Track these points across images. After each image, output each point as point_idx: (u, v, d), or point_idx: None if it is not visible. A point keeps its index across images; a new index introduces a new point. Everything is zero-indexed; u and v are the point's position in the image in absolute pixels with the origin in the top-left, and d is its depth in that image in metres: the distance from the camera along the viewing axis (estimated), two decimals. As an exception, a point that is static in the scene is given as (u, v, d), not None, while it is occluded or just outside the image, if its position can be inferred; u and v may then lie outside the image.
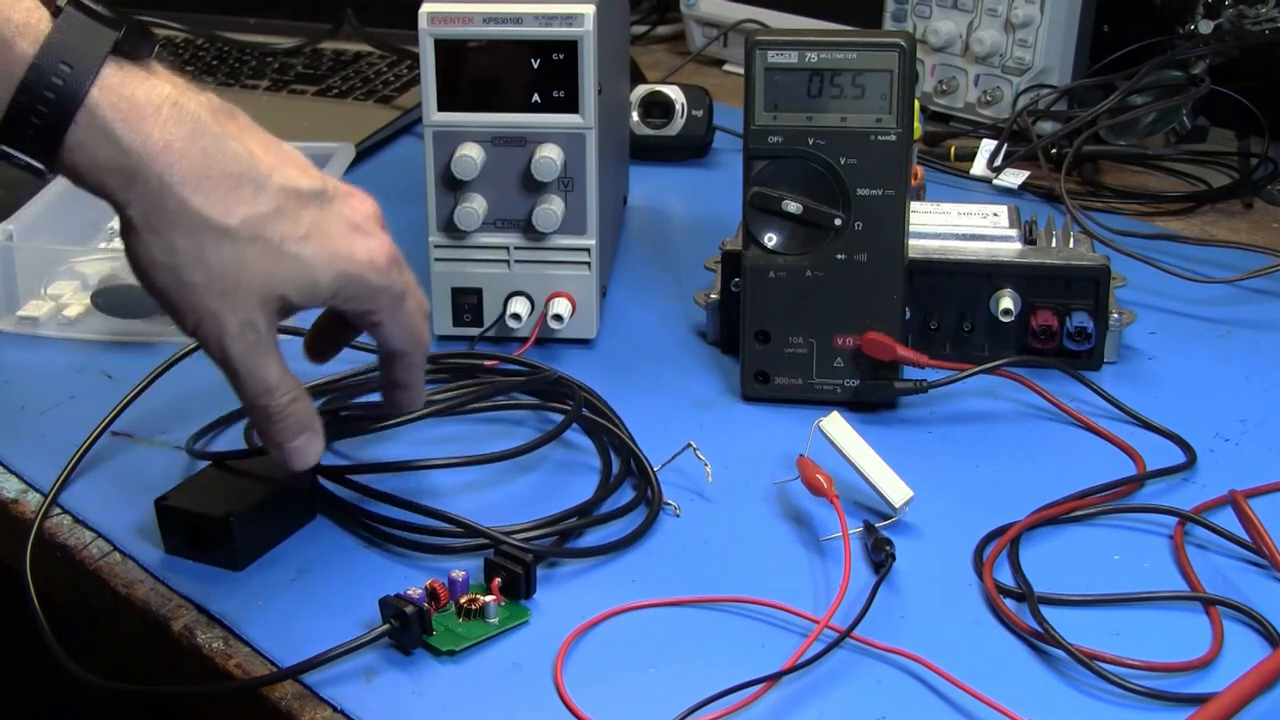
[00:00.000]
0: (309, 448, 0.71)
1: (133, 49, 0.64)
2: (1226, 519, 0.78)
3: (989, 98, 1.34)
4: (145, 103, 0.64)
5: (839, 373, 0.89)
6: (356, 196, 0.71)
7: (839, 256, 0.87)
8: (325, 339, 0.79)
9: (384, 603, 0.69)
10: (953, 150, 1.28)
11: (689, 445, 0.83)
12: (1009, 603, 0.72)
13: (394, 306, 0.71)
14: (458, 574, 0.72)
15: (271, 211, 0.66)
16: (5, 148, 0.63)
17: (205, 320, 0.66)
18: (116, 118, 0.63)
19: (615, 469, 0.83)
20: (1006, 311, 0.92)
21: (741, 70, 0.87)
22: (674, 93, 1.28)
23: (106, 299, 0.97)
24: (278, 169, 0.67)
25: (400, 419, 0.82)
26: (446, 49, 0.91)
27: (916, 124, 1.10)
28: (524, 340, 0.96)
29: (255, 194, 0.66)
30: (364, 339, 0.94)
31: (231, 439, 0.86)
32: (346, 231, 0.69)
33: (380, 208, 0.71)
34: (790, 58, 0.85)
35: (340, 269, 0.68)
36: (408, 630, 0.69)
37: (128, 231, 0.66)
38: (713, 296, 0.97)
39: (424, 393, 0.77)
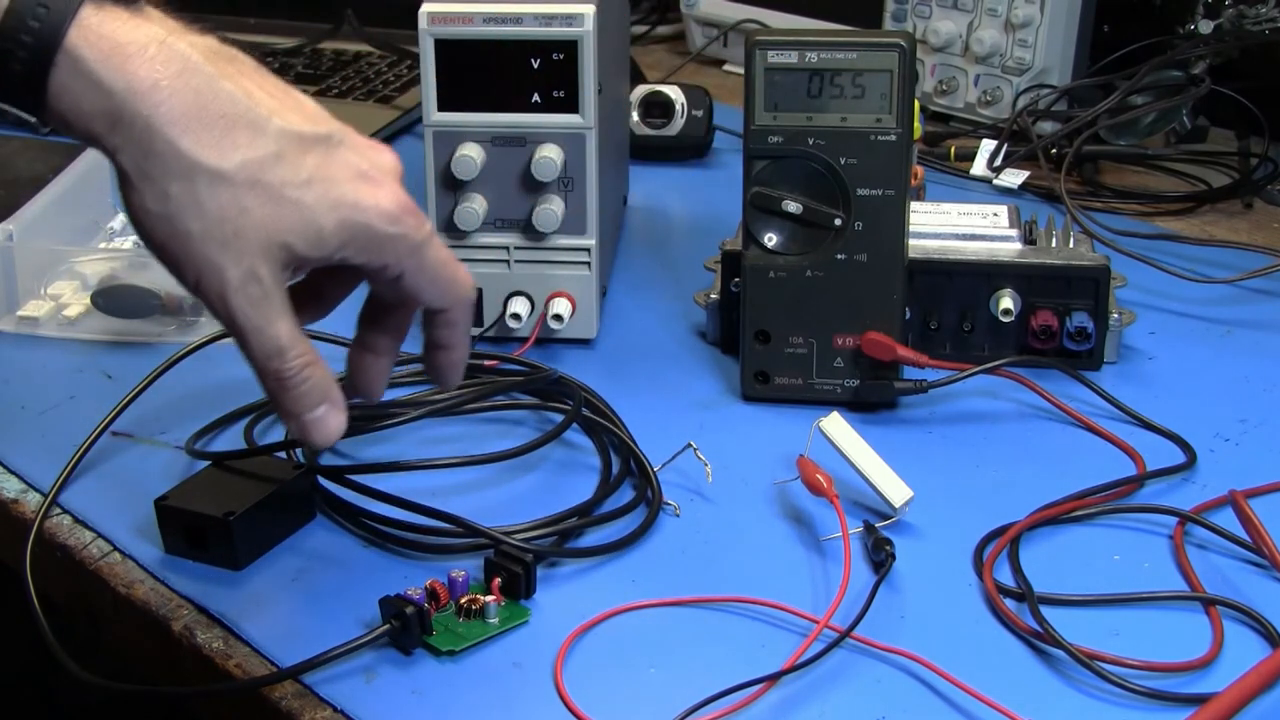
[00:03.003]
0: (329, 420, 0.67)
1: None
2: (1226, 519, 0.78)
3: (989, 98, 1.34)
4: (129, 42, 0.61)
5: (839, 373, 0.89)
6: (371, 146, 0.66)
7: (839, 256, 0.87)
8: (318, 288, 0.71)
9: (384, 603, 0.69)
10: (953, 150, 1.28)
11: (689, 445, 0.83)
12: (1009, 603, 0.72)
13: (412, 256, 0.65)
14: (458, 574, 0.71)
15: (270, 155, 0.62)
16: None
17: (205, 272, 0.62)
18: (97, 58, 0.60)
19: (615, 469, 0.83)
20: (1006, 311, 0.92)
21: (741, 70, 0.87)
22: (674, 93, 1.28)
23: (106, 299, 0.97)
24: (278, 112, 0.63)
25: (401, 419, 0.82)
26: (446, 49, 0.91)
27: (916, 124, 1.10)
28: (524, 340, 0.96)
29: (253, 137, 0.62)
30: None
31: (231, 439, 0.86)
32: (352, 178, 0.64)
33: (400, 163, 0.67)
34: (790, 58, 0.85)
35: (344, 216, 0.63)
36: (408, 630, 0.68)
37: (122, 183, 0.62)
38: (713, 296, 0.97)
39: (466, 355, 0.71)
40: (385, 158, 0.66)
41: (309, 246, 0.63)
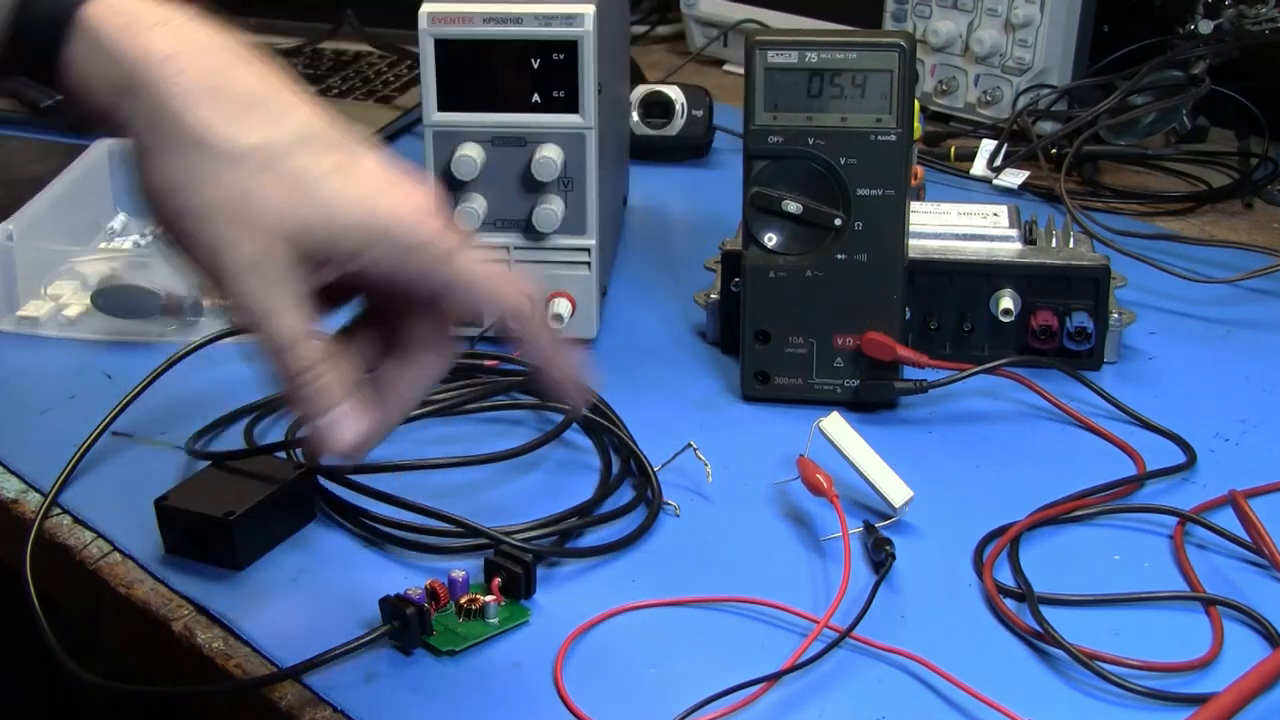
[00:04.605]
0: (341, 428, 0.61)
1: None
2: (1226, 519, 0.78)
3: (989, 98, 1.34)
4: (146, 16, 0.60)
5: (839, 373, 0.89)
6: (401, 166, 0.62)
7: (839, 256, 0.87)
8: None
9: (384, 603, 0.69)
10: (953, 150, 1.28)
11: (689, 445, 0.83)
12: (1009, 603, 0.72)
13: (438, 267, 0.61)
14: (458, 574, 0.72)
15: (288, 143, 0.59)
16: (13, 78, 0.61)
17: (218, 249, 0.59)
18: (113, 29, 0.59)
19: (615, 469, 0.83)
20: (1006, 311, 0.92)
21: (741, 70, 0.87)
22: (674, 93, 1.28)
23: (106, 299, 0.97)
24: (302, 109, 0.61)
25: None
26: (446, 49, 0.91)
27: (916, 124, 1.10)
28: (524, 340, 0.96)
29: (272, 124, 0.59)
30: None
31: (231, 439, 0.86)
32: (377, 183, 0.60)
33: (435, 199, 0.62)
34: (790, 58, 0.85)
35: (363, 217, 0.59)
36: (408, 630, 0.69)
37: (138, 158, 0.60)
38: (713, 296, 0.97)
39: (548, 338, 0.64)
40: (416, 181, 0.62)
41: (326, 237, 0.59)
